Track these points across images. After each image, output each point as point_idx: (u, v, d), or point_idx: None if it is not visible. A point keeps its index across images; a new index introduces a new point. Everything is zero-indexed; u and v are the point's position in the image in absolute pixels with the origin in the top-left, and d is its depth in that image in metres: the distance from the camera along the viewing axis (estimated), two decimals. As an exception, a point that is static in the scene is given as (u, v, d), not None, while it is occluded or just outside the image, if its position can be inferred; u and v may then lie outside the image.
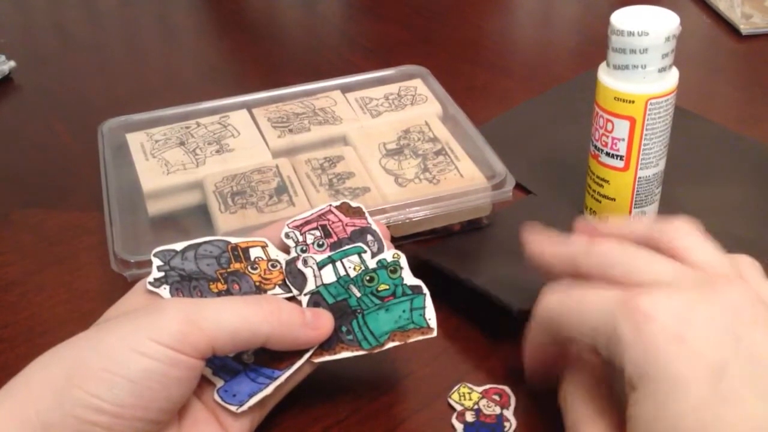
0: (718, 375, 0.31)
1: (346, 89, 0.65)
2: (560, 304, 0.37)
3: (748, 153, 0.63)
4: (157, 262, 0.42)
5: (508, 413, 0.42)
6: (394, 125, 0.60)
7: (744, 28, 0.79)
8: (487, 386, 0.44)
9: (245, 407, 0.38)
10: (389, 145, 0.58)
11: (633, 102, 0.48)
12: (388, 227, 0.46)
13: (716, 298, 0.33)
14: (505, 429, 0.42)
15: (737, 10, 0.81)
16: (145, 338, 0.34)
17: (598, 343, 0.35)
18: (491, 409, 0.43)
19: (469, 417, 0.42)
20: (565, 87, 0.73)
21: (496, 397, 0.43)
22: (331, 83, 0.66)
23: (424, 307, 0.41)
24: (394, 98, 0.64)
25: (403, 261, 0.43)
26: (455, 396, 0.43)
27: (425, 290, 0.42)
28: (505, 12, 0.93)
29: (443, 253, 0.52)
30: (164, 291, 0.41)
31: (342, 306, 0.41)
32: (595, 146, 0.52)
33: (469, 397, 0.43)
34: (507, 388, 0.44)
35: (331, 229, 0.45)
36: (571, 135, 0.65)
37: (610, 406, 0.37)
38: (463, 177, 0.54)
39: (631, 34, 0.46)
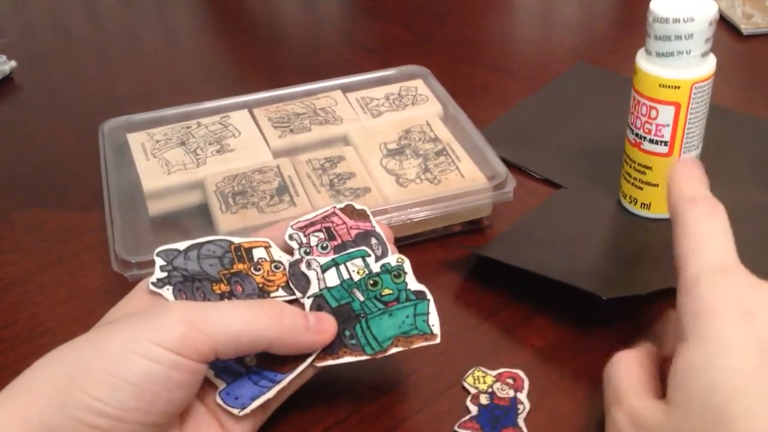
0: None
1: (346, 89, 0.65)
2: (692, 208, 0.37)
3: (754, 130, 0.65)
4: (159, 261, 0.42)
5: (522, 396, 0.43)
6: (395, 125, 0.60)
7: (745, 27, 0.79)
8: (501, 370, 0.44)
9: (247, 410, 0.38)
10: (390, 145, 0.58)
11: (678, 88, 0.49)
12: (388, 227, 0.46)
13: None
14: (519, 411, 0.42)
15: (738, 9, 0.81)
16: (148, 341, 0.34)
17: (679, 272, 0.36)
18: (505, 392, 0.43)
19: (484, 400, 0.43)
20: (559, 81, 0.73)
21: (510, 381, 0.44)
22: (332, 83, 0.66)
23: (427, 313, 0.41)
24: (394, 98, 0.64)
25: (407, 266, 0.43)
26: (470, 380, 0.44)
27: (429, 296, 0.42)
28: (505, 12, 0.93)
29: (500, 250, 0.53)
30: (167, 292, 0.41)
31: (345, 310, 0.41)
32: (637, 134, 0.52)
33: (483, 380, 0.44)
34: (521, 372, 0.44)
35: (335, 232, 0.45)
36: (582, 126, 0.66)
37: (655, 379, 0.38)
38: (464, 177, 0.54)
39: (676, 21, 0.47)
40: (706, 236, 0.36)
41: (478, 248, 0.54)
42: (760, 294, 0.34)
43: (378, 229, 0.45)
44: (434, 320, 0.41)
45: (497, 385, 0.43)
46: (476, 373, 0.44)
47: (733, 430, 0.30)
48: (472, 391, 0.43)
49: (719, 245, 0.36)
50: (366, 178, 0.55)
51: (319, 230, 0.45)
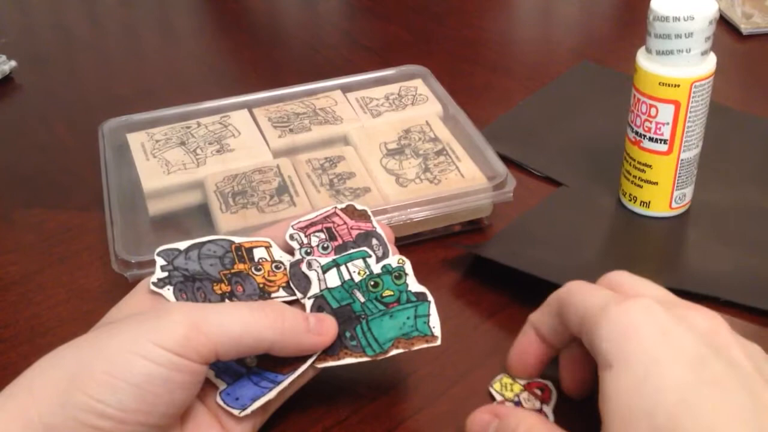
0: (700, 365, 0.32)
1: (346, 89, 0.65)
2: (572, 287, 0.39)
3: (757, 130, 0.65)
4: (160, 261, 0.42)
5: (548, 409, 0.41)
6: (395, 125, 0.60)
7: (744, 27, 0.79)
8: (530, 380, 0.43)
9: (248, 411, 0.38)
10: (390, 145, 0.58)
11: (678, 86, 0.49)
12: (389, 228, 0.46)
13: (699, 315, 0.35)
14: None
15: (737, 9, 0.81)
16: (149, 343, 0.34)
17: (583, 326, 0.36)
18: (531, 404, 0.42)
19: None
20: (560, 80, 0.73)
21: (538, 392, 0.42)
22: (332, 83, 0.66)
23: (428, 315, 0.41)
24: (394, 98, 0.64)
25: (408, 267, 0.43)
26: (497, 386, 0.43)
27: (430, 297, 0.42)
28: (505, 12, 0.93)
29: (499, 249, 0.53)
30: (168, 292, 0.41)
31: (346, 311, 0.41)
32: (636, 132, 0.52)
33: (511, 387, 0.42)
34: (550, 384, 0.42)
35: (336, 232, 0.45)
36: (583, 124, 0.66)
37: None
38: (464, 177, 0.54)
39: (676, 19, 0.47)
40: (590, 289, 0.38)
41: (475, 247, 0.54)
42: (667, 311, 0.35)
43: (379, 230, 0.45)
44: (435, 322, 0.41)
45: (524, 395, 0.42)
46: (504, 380, 0.43)
47: None
48: (498, 398, 0.42)
49: (604, 291, 0.37)
50: (366, 178, 0.55)
51: (320, 230, 0.45)
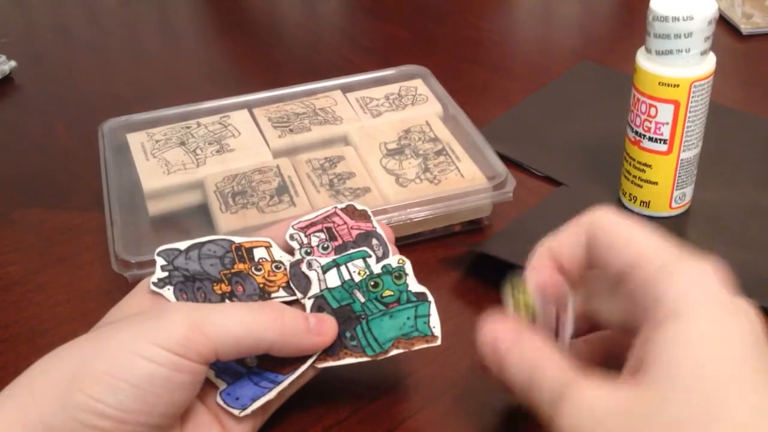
0: (754, 354, 0.31)
1: (346, 89, 0.65)
2: (611, 223, 0.36)
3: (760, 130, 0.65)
4: (160, 261, 0.42)
5: (568, 320, 0.37)
6: (395, 125, 0.60)
7: (744, 27, 0.79)
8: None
9: (248, 411, 0.38)
10: (390, 145, 0.58)
11: (678, 86, 0.49)
12: (389, 228, 0.46)
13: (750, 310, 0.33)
14: None
15: (738, 9, 0.81)
16: (150, 343, 0.34)
17: (636, 271, 0.34)
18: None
19: None
20: (561, 80, 0.73)
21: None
22: (332, 83, 0.66)
23: (428, 315, 0.41)
24: (394, 98, 0.64)
25: (408, 267, 0.43)
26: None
27: (430, 297, 0.42)
28: (505, 12, 0.93)
29: (499, 247, 0.52)
30: (168, 292, 0.41)
31: (346, 311, 0.41)
32: (636, 132, 0.52)
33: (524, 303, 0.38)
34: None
35: (336, 232, 0.45)
36: (583, 124, 0.66)
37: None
38: (464, 177, 0.54)
39: (675, 19, 0.47)
40: (636, 231, 0.35)
41: (475, 245, 0.54)
42: (728, 287, 0.33)
43: (379, 230, 0.45)
44: (435, 322, 0.41)
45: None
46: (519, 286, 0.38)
47: (722, 414, 0.29)
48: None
49: (652, 237, 0.35)
50: (366, 178, 0.55)
51: (320, 230, 0.45)
